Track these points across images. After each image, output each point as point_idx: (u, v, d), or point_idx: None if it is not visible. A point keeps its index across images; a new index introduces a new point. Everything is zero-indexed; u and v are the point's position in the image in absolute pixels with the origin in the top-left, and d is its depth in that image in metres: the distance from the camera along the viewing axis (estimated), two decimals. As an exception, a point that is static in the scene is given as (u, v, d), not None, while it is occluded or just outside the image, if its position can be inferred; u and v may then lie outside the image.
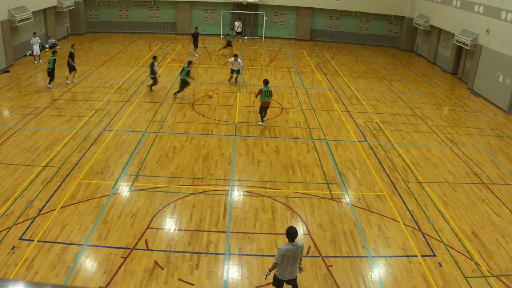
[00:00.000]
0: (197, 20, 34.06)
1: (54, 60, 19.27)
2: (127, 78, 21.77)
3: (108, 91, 19.68)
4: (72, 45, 21.20)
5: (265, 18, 33.73)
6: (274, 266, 7.75)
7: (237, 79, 22.12)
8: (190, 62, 19.71)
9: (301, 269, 8.09)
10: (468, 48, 23.91)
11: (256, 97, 17.11)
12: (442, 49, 28.80)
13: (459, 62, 26.58)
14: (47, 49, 26.88)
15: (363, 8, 33.16)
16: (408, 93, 22.29)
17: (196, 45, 26.59)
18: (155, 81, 19.92)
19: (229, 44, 26.92)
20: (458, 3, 25.81)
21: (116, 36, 32.23)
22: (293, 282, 8.03)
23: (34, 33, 23.87)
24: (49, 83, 19.53)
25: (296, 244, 7.63)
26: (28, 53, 25.20)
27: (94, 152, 13.90)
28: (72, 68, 20.45)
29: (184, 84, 19.29)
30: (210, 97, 19.11)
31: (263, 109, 16.70)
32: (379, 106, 19.92)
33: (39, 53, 24.06)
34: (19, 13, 23.16)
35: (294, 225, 10.77)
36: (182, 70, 19.32)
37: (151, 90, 19.96)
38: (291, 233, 7.61)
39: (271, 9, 33.82)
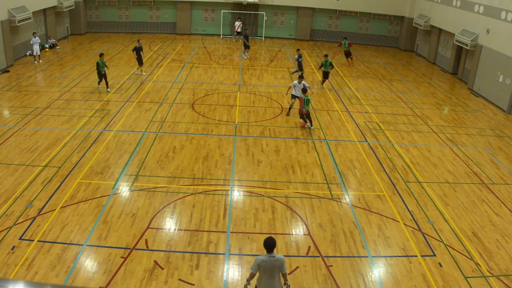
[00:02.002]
0: (197, 20, 34.08)
1: (103, 63, 19.25)
2: (127, 78, 21.77)
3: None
4: (138, 40, 22.28)
5: (265, 18, 33.73)
6: (251, 276, 7.47)
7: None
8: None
9: (287, 286, 7.64)
10: (468, 48, 23.91)
11: (292, 105, 17.71)
12: (442, 49, 28.80)
13: (459, 62, 26.57)
14: (47, 49, 26.89)
15: (363, 8, 33.16)
16: (408, 93, 22.29)
17: (140, 63, 22.05)
18: (141, 62, 21.92)
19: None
20: (458, 3, 25.81)
21: (116, 36, 32.23)
22: None
23: (34, 33, 23.87)
24: (107, 88, 19.76)
25: (274, 257, 7.32)
26: (28, 53, 25.20)
27: (94, 152, 13.91)
28: (140, 61, 21.98)
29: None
30: None
31: (307, 116, 16.64)
32: (379, 106, 19.92)
33: (39, 53, 24.06)
34: (19, 13, 23.16)
35: (294, 225, 10.80)
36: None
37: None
38: (268, 244, 7.34)
39: (271, 9, 33.82)
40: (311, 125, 16.70)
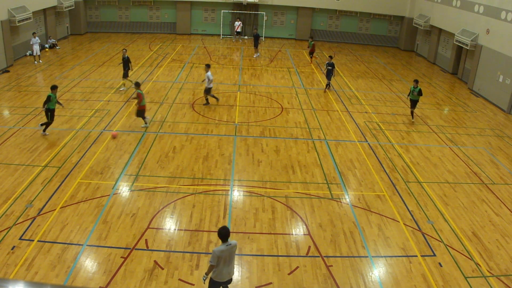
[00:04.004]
0: (197, 20, 34.08)
1: (49, 97, 14.72)
2: (113, 92, 21.72)
3: (108, 91, 19.68)
4: (124, 50, 20.13)
5: (265, 18, 33.73)
6: (210, 269, 7.57)
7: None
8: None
9: None
10: (468, 48, 23.90)
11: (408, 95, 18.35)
12: (442, 49, 28.79)
13: (459, 62, 26.57)
14: (47, 49, 26.89)
15: (363, 8, 33.16)
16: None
17: (126, 75, 20.16)
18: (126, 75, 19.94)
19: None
20: (458, 3, 25.81)
21: (116, 36, 32.23)
22: (229, 282, 7.87)
23: (33, 33, 23.87)
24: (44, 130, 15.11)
25: (230, 244, 7.53)
26: (28, 53, 25.20)
27: (94, 152, 13.90)
28: (126, 74, 19.92)
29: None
30: (114, 137, 14.98)
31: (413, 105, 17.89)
32: (379, 106, 19.92)
33: (39, 53, 24.06)
34: (19, 13, 23.16)
35: (294, 225, 10.80)
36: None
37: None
38: (224, 234, 7.48)
39: (271, 9, 33.82)
40: (413, 117, 18.26)
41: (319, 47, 32.30)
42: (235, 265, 9.28)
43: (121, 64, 19.98)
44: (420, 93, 17.86)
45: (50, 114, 14.75)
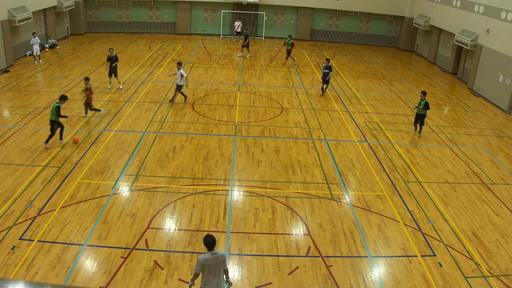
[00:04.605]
0: (197, 20, 34.08)
1: (58, 108, 13.98)
2: (127, 78, 21.77)
3: (108, 91, 19.68)
4: (110, 49, 19.99)
5: (265, 18, 33.72)
6: (194, 276, 7.41)
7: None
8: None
9: (229, 284, 7.62)
10: (468, 48, 23.90)
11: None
12: (442, 49, 28.79)
13: (459, 62, 26.57)
14: (47, 49, 26.89)
15: (363, 8, 33.15)
16: (408, 93, 22.28)
17: (113, 74, 19.93)
18: (113, 74, 19.92)
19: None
20: (458, 3, 25.81)
21: (116, 36, 32.23)
22: None
23: (33, 33, 23.86)
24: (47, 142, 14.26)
25: (216, 253, 7.30)
26: (28, 53, 25.20)
27: (94, 152, 13.90)
28: (114, 73, 19.84)
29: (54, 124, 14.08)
30: (75, 141, 14.49)
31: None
32: (379, 106, 19.92)
33: (39, 53, 24.06)
34: (19, 13, 23.16)
35: (294, 225, 10.80)
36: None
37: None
38: (209, 242, 7.28)
39: (271, 9, 33.82)
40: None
41: (319, 47, 32.30)
42: (235, 265, 9.31)
43: (108, 63, 19.72)
44: (426, 106, 16.17)
45: (53, 125, 14.01)
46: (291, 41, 25.81)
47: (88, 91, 16.11)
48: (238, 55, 27.94)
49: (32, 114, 16.71)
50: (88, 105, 16.44)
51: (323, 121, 17.64)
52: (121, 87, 20.21)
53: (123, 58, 25.76)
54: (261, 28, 34.01)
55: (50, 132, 14.08)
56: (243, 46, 27.67)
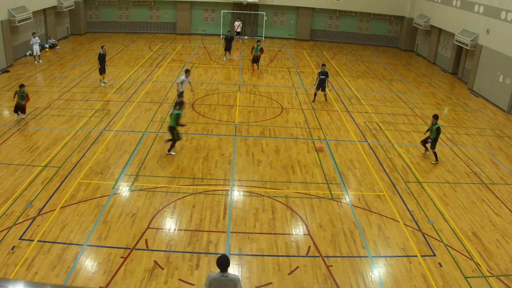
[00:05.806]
0: (197, 20, 34.08)
1: (178, 115, 13.98)
2: (127, 78, 21.77)
3: (108, 91, 19.68)
4: (102, 46, 20.39)
5: (265, 18, 33.73)
6: None
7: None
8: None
9: None
10: (468, 48, 23.91)
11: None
12: (442, 49, 28.80)
13: (459, 62, 26.58)
14: (47, 49, 26.89)
15: (363, 8, 33.16)
16: (408, 93, 22.29)
17: (103, 71, 20.30)
18: (103, 70, 20.08)
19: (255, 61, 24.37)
20: (458, 3, 25.81)
21: (116, 36, 32.23)
22: None
23: (33, 33, 23.86)
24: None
25: (227, 276, 6.86)
26: (28, 53, 25.19)
27: (94, 152, 13.90)
28: (103, 70, 20.09)
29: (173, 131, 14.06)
30: (320, 149, 14.71)
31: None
32: (379, 106, 19.92)
33: (39, 53, 24.06)
34: (19, 13, 23.16)
35: (294, 225, 10.80)
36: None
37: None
38: (221, 263, 6.87)
39: (271, 9, 33.82)
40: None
41: (319, 47, 32.27)
42: (235, 265, 9.30)
43: (100, 61, 19.85)
44: (438, 131, 14.39)
45: (172, 131, 13.97)
46: (260, 46, 23.80)
47: (27, 97, 16.03)
48: (224, 59, 26.71)
49: (32, 114, 16.70)
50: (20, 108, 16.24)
51: (323, 121, 17.64)
52: (103, 83, 20.42)
53: (123, 58, 25.79)
54: (261, 28, 34.01)
55: (171, 141, 13.94)
56: (229, 50, 26.31)
